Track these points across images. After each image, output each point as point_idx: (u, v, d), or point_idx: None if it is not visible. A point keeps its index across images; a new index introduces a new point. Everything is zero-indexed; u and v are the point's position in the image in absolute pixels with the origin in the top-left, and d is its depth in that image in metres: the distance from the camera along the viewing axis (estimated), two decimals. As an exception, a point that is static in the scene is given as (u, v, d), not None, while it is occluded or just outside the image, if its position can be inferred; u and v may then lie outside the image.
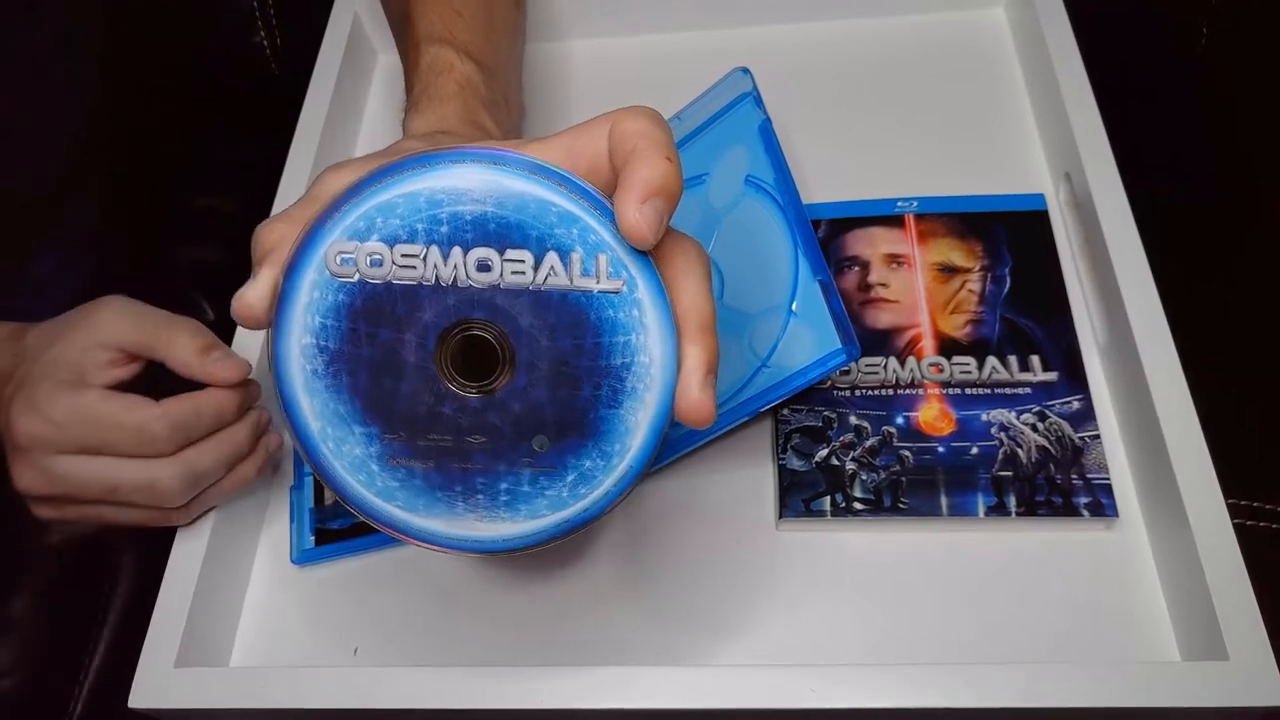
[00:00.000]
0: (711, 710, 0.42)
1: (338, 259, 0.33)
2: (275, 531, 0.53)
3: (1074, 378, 0.51)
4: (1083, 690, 0.40)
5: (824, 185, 0.60)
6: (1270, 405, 0.56)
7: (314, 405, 0.34)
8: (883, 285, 0.55)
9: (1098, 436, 0.49)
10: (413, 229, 0.33)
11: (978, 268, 0.55)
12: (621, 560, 0.50)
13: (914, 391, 0.52)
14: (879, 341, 0.53)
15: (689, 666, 0.43)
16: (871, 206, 0.58)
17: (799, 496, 0.49)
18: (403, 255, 0.33)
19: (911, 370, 0.52)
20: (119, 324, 0.45)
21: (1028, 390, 0.51)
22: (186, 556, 0.48)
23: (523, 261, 0.32)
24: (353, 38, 0.68)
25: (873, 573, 0.49)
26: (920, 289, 0.55)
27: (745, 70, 0.53)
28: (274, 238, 0.36)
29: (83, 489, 0.43)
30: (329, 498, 0.53)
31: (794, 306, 0.48)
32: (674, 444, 0.50)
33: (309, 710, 0.44)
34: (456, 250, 0.33)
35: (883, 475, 0.49)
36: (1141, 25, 0.71)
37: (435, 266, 0.33)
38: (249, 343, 0.54)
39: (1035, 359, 0.52)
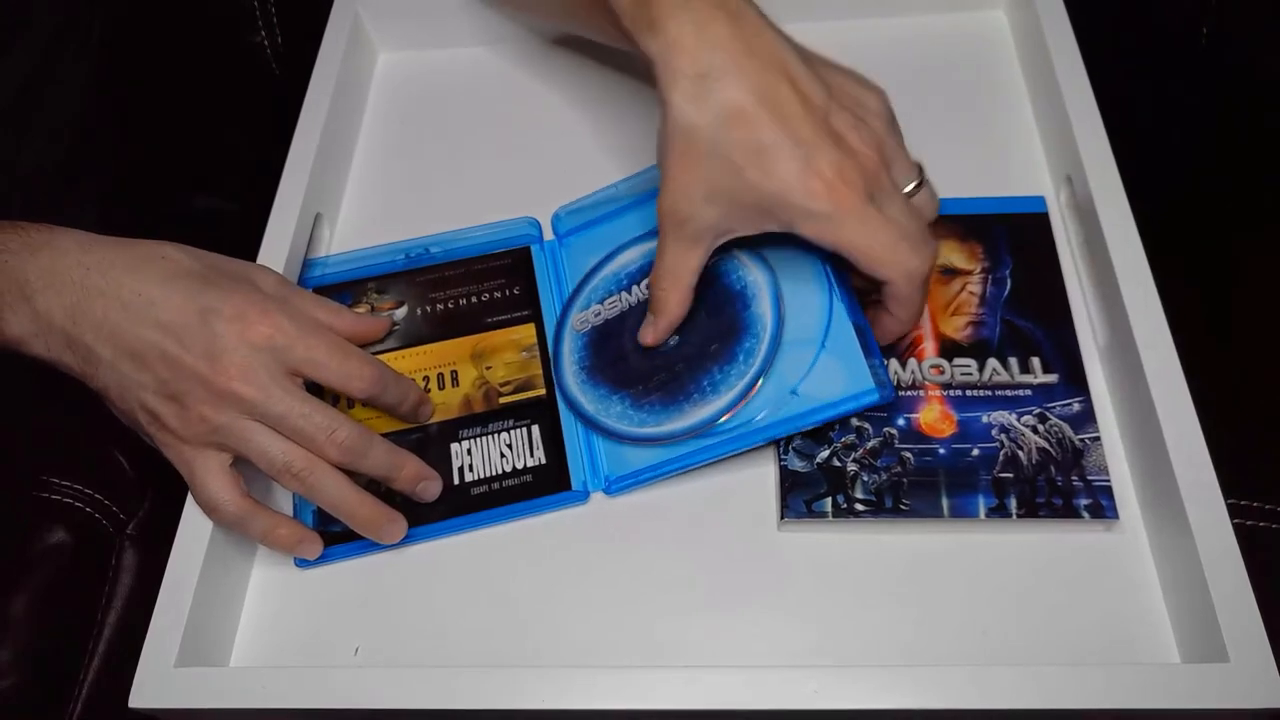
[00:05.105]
0: (713, 711, 0.42)
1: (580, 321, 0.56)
2: (275, 532, 0.53)
3: (1074, 380, 0.51)
4: (1083, 692, 0.41)
5: (825, 186, 0.60)
6: (1270, 405, 0.56)
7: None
8: (884, 286, 0.55)
9: (1098, 438, 0.49)
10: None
11: (978, 270, 0.55)
12: (622, 561, 0.50)
13: (915, 393, 0.52)
14: (880, 343, 0.53)
15: (690, 667, 0.43)
16: (872, 208, 0.58)
17: (800, 497, 0.49)
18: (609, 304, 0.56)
19: (913, 372, 0.52)
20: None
21: (1028, 392, 0.51)
22: (186, 556, 0.48)
23: None
24: (353, 37, 0.68)
25: (874, 574, 0.49)
26: (921, 290, 0.55)
27: None
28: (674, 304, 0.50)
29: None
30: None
31: (826, 344, 0.49)
32: (685, 458, 0.50)
33: (309, 710, 0.44)
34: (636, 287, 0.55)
35: (884, 476, 0.49)
36: (1141, 26, 0.71)
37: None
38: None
39: (1036, 361, 0.52)
